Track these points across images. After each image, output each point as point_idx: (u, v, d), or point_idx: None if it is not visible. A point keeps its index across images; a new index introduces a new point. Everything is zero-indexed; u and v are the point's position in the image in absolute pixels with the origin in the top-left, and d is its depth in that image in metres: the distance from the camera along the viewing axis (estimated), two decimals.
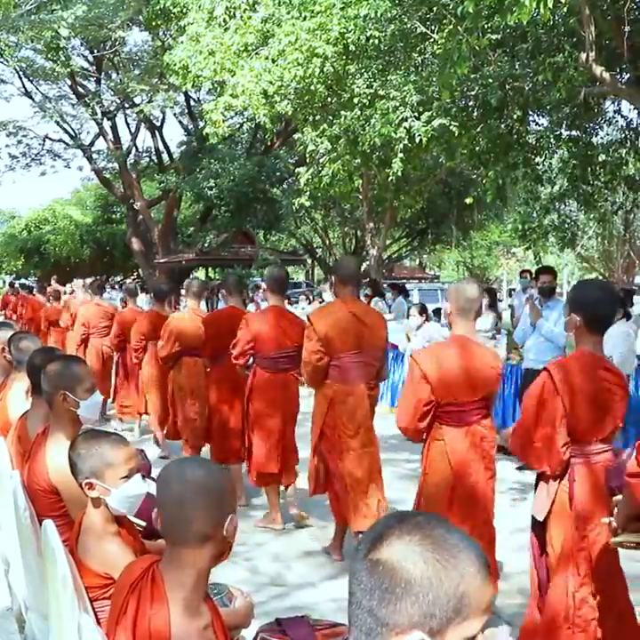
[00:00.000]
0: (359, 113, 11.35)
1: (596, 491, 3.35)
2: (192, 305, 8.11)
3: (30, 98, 25.32)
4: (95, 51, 23.60)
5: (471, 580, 1.23)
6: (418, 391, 4.17)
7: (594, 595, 3.34)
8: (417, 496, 4.46)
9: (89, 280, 12.96)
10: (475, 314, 4.30)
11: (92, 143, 27.01)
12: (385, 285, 16.21)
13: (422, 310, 10.24)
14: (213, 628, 2.12)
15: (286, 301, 18.30)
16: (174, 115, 27.89)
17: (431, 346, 5.35)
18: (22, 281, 29.63)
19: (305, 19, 10.93)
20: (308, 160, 13.22)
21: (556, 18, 9.41)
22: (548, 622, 3.42)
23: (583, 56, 8.24)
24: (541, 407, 3.51)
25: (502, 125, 10.48)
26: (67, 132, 26.34)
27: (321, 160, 12.50)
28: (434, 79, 10.06)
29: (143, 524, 2.94)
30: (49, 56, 20.70)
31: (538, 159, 10.89)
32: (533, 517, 3.60)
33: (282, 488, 6.32)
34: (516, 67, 10.02)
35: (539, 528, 3.57)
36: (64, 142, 27.24)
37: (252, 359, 6.24)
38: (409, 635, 1.19)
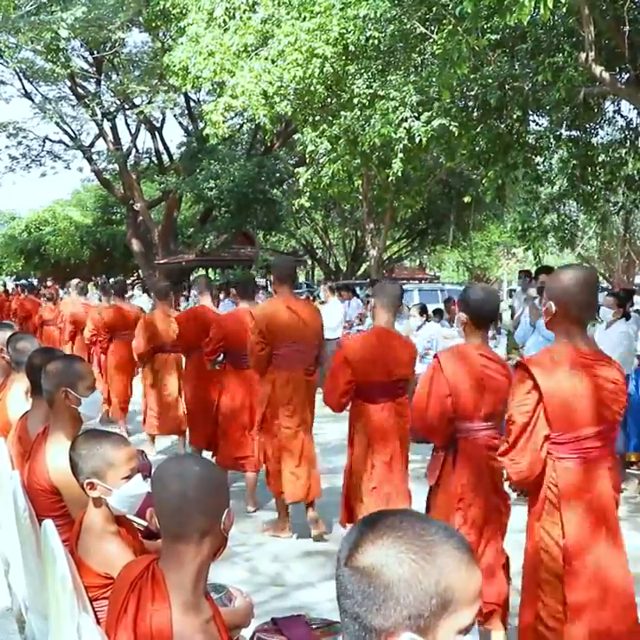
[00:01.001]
0: (359, 113, 11.37)
1: (476, 462, 3.93)
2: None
3: (30, 99, 25.32)
4: (95, 52, 23.59)
5: (452, 572, 1.21)
6: (341, 374, 5.01)
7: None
8: (347, 463, 5.25)
9: (75, 281, 13.47)
10: (394, 308, 5.22)
11: (91, 144, 27.02)
12: None
13: (422, 311, 10.24)
14: (215, 622, 2.13)
15: None
16: (174, 116, 27.93)
17: (355, 335, 6.14)
18: (23, 282, 29.66)
19: (304, 19, 10.94)
20: (307, 160, 13.23)
21: (556, 18, 9.42)
22: None
23: (583, 56, 8.25)
24: (431, 386, 4.01)
25: (502, 125, 10.49)
26: (67, 133, 26.35)
27: (321, 160, 12.52)
28: (433, 79, 10.07)
29: (144, 523, 2.94)
30: (49, 57, 20.69)
31: (538, 159, 10.89)
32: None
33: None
34: (516, 67, 10.03)
35: (429, 492, 4.22)
36: (64, 143, 27.25)
37: (222, 355, 6.90)
38: (399, 637, 1.18)
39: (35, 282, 29.47)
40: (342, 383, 5.02)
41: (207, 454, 7.15)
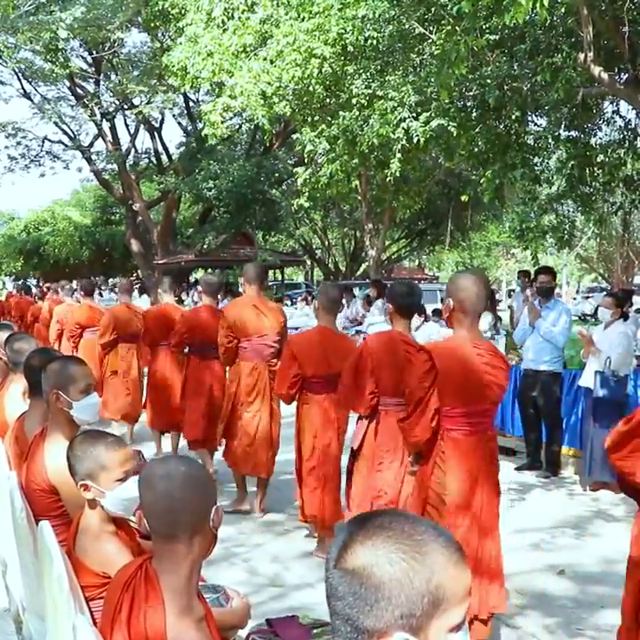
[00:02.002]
0: (357, 113, 11.36)
1: (391, 432, 4.63)
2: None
3: (29, 99, 25.32)
4: (94, 52, 23.58)
5: (443, 570, 1.22)
6: (289, 367, 5.62)
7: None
8: (295, 446, 5.83)
9: (63, 282, 14.18)
10: (335, 309, 5.93)
11: (91, 144, 27.01)
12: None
13: (421, 311, 10.24)
14: (206, 621, 2.14)
15: (283, 302, 18.38)
16: (173, 116, 27.91)
17: (302, 332, 6.72)
18: (19, 282, 29.76)
19: (303, 19, 10.94)
20: (306, 160, 13.23)
21: (555, 18, 9.42)
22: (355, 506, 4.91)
23: (581, 56, 8.25)
24: (358, 362, 4.81)
25: (501, 126, 10.49)
26: (66, 133, 26.35)
27: (319, 160, 12.52)
28: (432, 80, 10.06)
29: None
30: (48, 57, 20.68)
31: (536, 159, 10.88)
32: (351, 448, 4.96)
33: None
34: (515, 67, 10.03)
35: (351, 455, 5.00)
36: (63, 143, 27.25)
37: (187, 348, 7.69)
38: (391, 638, 1.18)
39: (34, 282, 29.54)
40: (290, 376, 5.62)
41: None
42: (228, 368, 7.10)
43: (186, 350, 7.74)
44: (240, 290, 20.95)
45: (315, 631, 2.58)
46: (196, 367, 7.52)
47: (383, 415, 4.76)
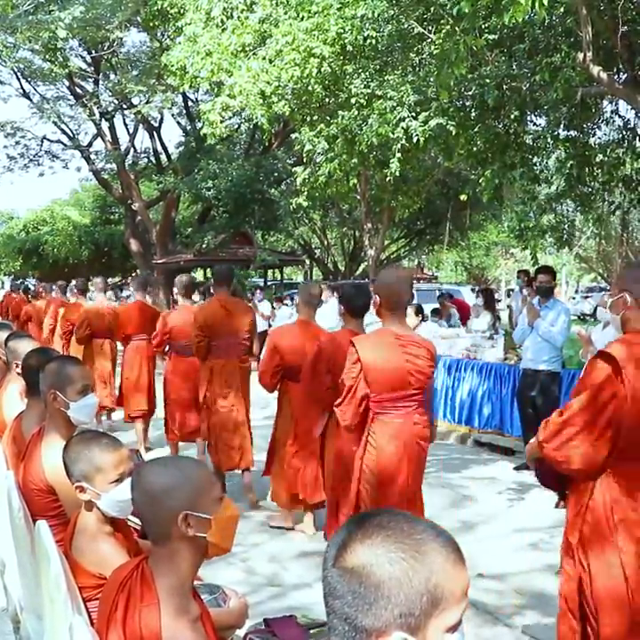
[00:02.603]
0: (356, 113, 11.36)
1: None
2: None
3: (28, 99, 25.30)
4: (93, 51, 23.58)
5: (441, 570, 1.22)
6: (271, 359, 6.11)
7: None
8: (272, 430, 6.36)
9: (60, 282, 14.76)
10: (313, 305, 6.39)
11: (90, 144, 27.00)
12: None
13: (418, 311, 10.24)
14: (202, 621, 2.13)
15: (283, 302, 18.38)
16: (172, 115, 27.89)
17: (282, 326, 7.24)
18: (16, 282, 29.82)
19: (302, 19, 10.93)
20: (305, 160, 13.23)
21: (554, 18, 9.41)
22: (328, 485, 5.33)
23: (580, 56, 8.24)
24: (315, 360, 5.38)
25: (500, 125, 10.48)
26: (65, 132, 26.33)
27: (318, 160, 12.51)
28: (431, 79, 10.06)
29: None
30: (47, 57, 20.66)
31: (535, 159, 10.87)
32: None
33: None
34: (514, 67, 10.02)
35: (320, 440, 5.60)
36: (62, 143, 27.24)
37: (168, 346, 8.27)
38: (390, 637, 1.18)
39: (33, 281, 29.57)
40: (272, 366, 6.11)
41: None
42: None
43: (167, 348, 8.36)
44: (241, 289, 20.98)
45: (312, 631, 2.57)
46: (175, 364, 8.11)
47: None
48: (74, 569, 2.68)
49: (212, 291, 8.22)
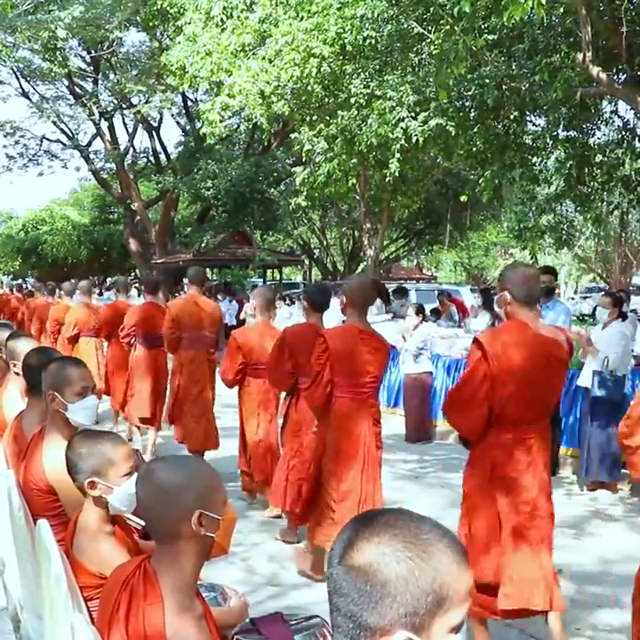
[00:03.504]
0: (356, 113, 11.37)
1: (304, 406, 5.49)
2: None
3: (27, 98, 25.31)
4: (92, 51, 23.59)
5: (447, 570, 1.23)
6: (235, 356, 6.64)
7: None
8: (240, 424, 6.87)
9: (51, 283, 15.18)
10: (271, 307, 7.01)
11: (89, 144, 27.02)
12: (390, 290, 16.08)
13: (419, 310, 10.24)
14: (206, 620, 2.14)
15: (283, 302, 18.41)
16: (171, 115, 27.92)
17: (244, 327, 7.90)
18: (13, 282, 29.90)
19: (302, 19, 10.93)
20: (304, 160, 13.23)
21: (553, 18, 9.42)
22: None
23: (580, 56, 8.24)
24: (279, 350, 5.87)
25: (499, 126, 10.48)
26: (64, 132, 26.35)
27: (317, 160, 12.51)
28: (431, 79, 10.07)
29: (142, 522, 2.94)
30: (46, 56, 20.69)
31: (534, 159, 10.88)
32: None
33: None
34: (513, 67, 10.03)
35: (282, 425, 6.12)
36: (61, 143, 27.26)
37: (134, 338, 8.88)
38: (393, 636, 1.19)
39: (32, 281, 29.59)
40: (236, 365, 6.63)
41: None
42: (171, 356, 8.12)
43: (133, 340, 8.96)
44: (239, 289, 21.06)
45: (292, 624, 2.57)
46: (142, 355, 8.73)
47: (298, 391, 5.66)
48: (75, 568, 2.68)
49: (185, 289, 8.82)
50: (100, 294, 23.25)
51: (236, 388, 6.89)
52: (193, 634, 2.01)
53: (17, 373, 4.51)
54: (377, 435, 5.03)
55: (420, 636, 1.20)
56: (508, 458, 3.82)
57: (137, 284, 21.41)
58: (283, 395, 6.39)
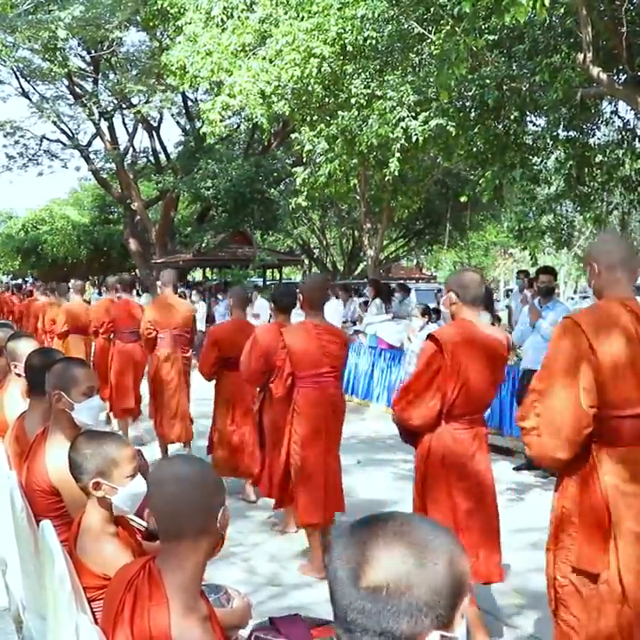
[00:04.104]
0: (356, 113, 11.37)
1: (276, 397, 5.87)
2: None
3: (27, 98, 25.29)
4: (92, 51, 23.57)
5: (459, 564, 1.26)
6: (211, 350, 7.14)
7: None
8: (213, 414, 7.41)
9: (39, 283, 15.89)
10: (245, 305, 7.75)
11: (89, 143, 26.99)
12: (392, 286, 16.07)
13: (425, 312, 10.26)
14: (211, 620, 2.14)
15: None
16: (171, 115, 27.88)
17: (220, 324, 8.55)
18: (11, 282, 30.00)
19: (302, 19, 10.94)
20: (304, 160, 13.22)
21: (554, 19, 9.42)
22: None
23: (580, 57, 8.25)
24: (252, 347, 6.19)
25: (499, 126, 10.49)
26: (64, 132, 26.32)
27: (318, 160, 12.51)
28: (431, 80, 10.07)
29: (144, 523, 2.95)
30: (46, 56, 20.67)
31: (535, 160, 10.88)
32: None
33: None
34: (514, 67, 10.03)
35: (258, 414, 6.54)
36: (61, 142, 27.23)
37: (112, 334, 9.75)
38: (428, 637, 1.21)
39: (31, 281, 29.62)
40: (211, 358, 7.13)
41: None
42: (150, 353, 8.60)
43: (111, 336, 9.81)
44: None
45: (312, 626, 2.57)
46: (120, 350, 9.51)
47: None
48: (78, 569, 2.69)
49: (159, 290, 9.15)
50: (100, 294, 23.24)
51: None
52: (198, 635, 2.02)
53: (18, 374, 4.50)
54: (339, 420, 5.62)
55: (447, 630, 1.22)
56: (457, 446, 4.20)
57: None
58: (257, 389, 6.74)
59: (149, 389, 8.39)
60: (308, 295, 5.60)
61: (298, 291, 5.84)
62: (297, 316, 7.55)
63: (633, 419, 3.10)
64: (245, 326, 7.17)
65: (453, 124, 10.08)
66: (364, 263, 24.34)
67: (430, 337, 4.23)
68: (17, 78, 24.70)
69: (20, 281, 33.72)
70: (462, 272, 4.41)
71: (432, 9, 9.90)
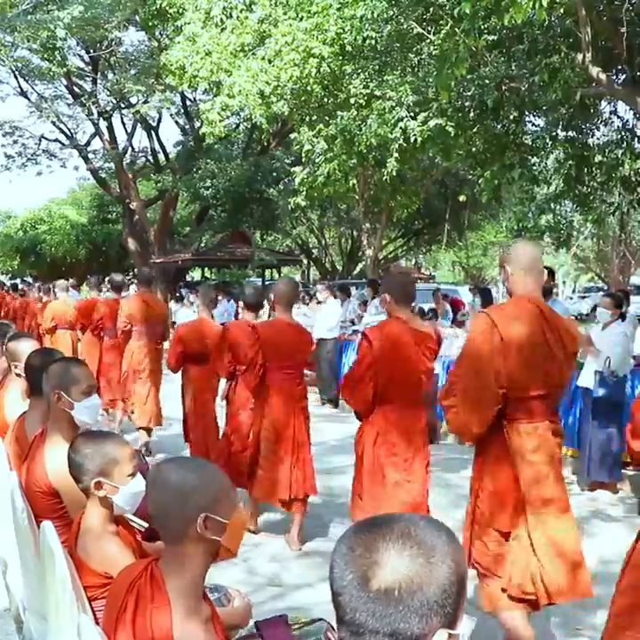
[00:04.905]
0: (355, 113, 11.37)
1: (243, 387, 6.44)
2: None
3: (26, 98, 25.29)
4: (91, 51, 23.56)
5: (462, 564, 1.27)
6: (177, 345, 7.69)
7: None
8: (182, 408, 7.96)
9: (30, 282, 16.10)
10: (210, 305, 8.21)
11: (88, 143, 26.99)
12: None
13: (421, 313, 10.25)
14: (213, 622, 2.15)
15: None
16: (170, 115, 27.86)
17: (185, 322, 8.71)
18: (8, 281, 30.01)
19: (301, 19, 10.94)
20: (303, 160, 13.23)
21: (553, 19, 9.42)
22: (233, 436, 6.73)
23: (579, 57, 8.26)
24: (221, 341, 6.70)
25: (498, 126, 10.49)
26: (63, 131, 26.31)
27: (317, 160, 12.51)
28: (430, 80, 10.07)
29: (144, 524, 2.95)
30: (45, 56, 20.64)
31: (534, 160, 10.89)
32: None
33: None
34: (513, 67, 10.03)
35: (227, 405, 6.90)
36: (60, 142, 27.22)
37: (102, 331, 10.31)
38: (435, 635, 1.22)
39: (30, 280, 29.60)
40: (177, 353, 7.68)
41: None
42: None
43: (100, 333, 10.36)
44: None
45: (295, 629, 2.57)
46: (108, 346, 10.16)
47: (239, 376, 6.48)
48: (79, 569, 2.69)
49: (136, 288, 9.86)
50: (99, 291, 23.24)
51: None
52: (200, 637, 2.02)
53: (18, 374, 4.50)
54: (304, 408, 6.13)
55: (453, 628, 1.24)
56: (389, 426, 4.86)
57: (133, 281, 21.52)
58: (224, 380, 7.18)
59: (123, 377, 9.07)
60: (278, 295, 6.16)
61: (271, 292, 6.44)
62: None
63: (537, 399, 3.64)
64: (208, 324, 7.81)
65: (452, 124, 10.07)
66: (363, 263, 24.36)
67: (363, 335, 5.02)
68: (16, 78, 24.71)
69: (17, 280, 33.63)
70: (395, 275, 5.16)
71: (431, 9, 9.90)
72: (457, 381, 3.80)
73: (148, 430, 8.86)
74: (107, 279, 13.27)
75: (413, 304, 10.04)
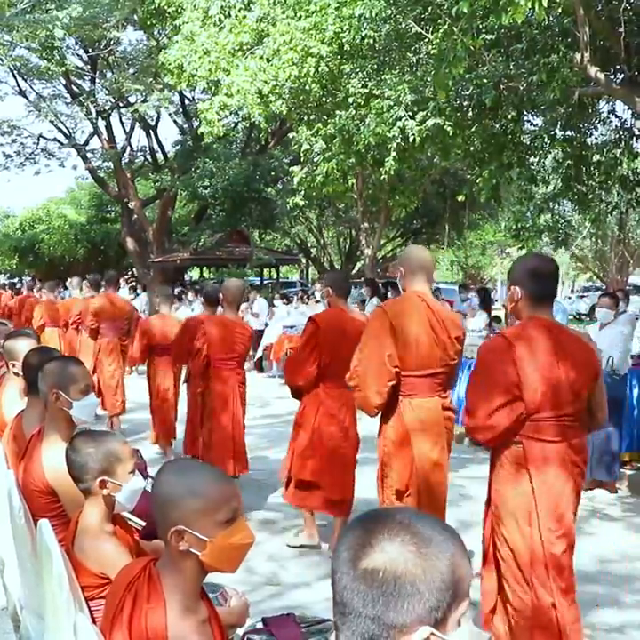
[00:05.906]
0: (354, 112, 11.36)
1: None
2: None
3: (24, 97, 25.24)
4: (90, 50, 23.50)
5: (460, 564, 1.26)
6: (142, 339, 8.77)
7: None
8: (148, 394, 8.95)
9: (27, 281, 16.42)
10: (169, 301, 9.74)
11: (86, 142, 26.92)
12: (381, 284, 16.10)
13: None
14: (210, 623, 2.14)
15: (282, 300, 18.38)
16: (169, 114, 27.78)
17: (149, 317, 9.47)
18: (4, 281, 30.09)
19: (300, 18, 10.94)
20: (302, 159, 13.22)
21: (551, 18, 9.41)
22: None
23: (578, 56, 8.25)
24: (187, 333, 7.27)
25: (497, 125, 10.48)
26: (61, 131, 26.26)
27: (315, 159, 12.51)
28: (428, 79, 10.06)
29: (142, 523, 2.95)
30: (43, 55, 20.60)
31: (532, 159, 10.88)
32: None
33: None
34: (511, 67, 10.02)
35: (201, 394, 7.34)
36: (58, 141, 27.15)
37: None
38: (416, 632, 1.21)
39: (29, 280, 29.61)
40: (142, 345, 8.73)
41: None
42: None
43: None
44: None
45: (308, 629, 2.57)
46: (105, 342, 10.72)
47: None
48: (76, 568, 2.69)
49: (103, 289, 10.49)
50: (80, 290, 23.32)
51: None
52: (195, 638, 2.02)
53: (16, 373, 4.50)
54: (242, 394, 6.91)
55: (439, 630, 1.22)
56: (328, 400, 5.67)
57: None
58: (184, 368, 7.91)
59: (93, 370, 9.71)
60: (226, 294, 6.96)
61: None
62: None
63: (424, 377, 4.36)
64: (170, 320, 8.87)
65: (451, 123, 10.07)
66: (362, 262, 24.35)
67: (311, 320, 5.80)
68: (14, 77, 24.65)
69: (15, 280, 33.63)
70: (335, 272, 5.95)
71: (429, 8, 9.89)
72: (359, 364, 4.48)
73: (118, 416, 9.86)
74: (74, 279, 14.14)
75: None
